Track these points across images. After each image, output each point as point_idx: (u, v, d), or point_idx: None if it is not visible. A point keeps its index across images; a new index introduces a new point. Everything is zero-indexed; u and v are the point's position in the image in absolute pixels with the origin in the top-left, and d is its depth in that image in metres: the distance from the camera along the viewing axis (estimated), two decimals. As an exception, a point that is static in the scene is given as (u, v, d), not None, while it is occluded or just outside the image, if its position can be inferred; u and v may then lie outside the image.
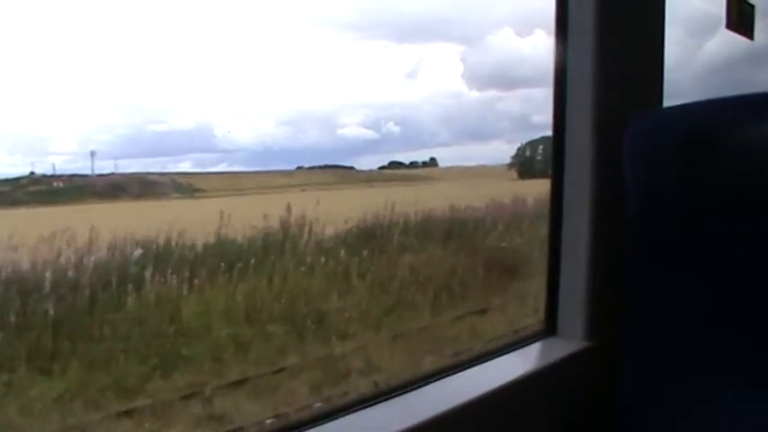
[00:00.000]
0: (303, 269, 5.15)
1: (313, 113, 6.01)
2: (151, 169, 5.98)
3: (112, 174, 5.65)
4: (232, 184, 6.31)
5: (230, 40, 4.96)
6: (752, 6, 2.23)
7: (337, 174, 6.68)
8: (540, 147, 7.26)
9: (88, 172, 5.43)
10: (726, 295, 1.45)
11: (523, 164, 7.46)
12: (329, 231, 5.45)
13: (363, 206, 5.87)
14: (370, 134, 6.29)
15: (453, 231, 6.19)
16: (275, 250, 5.21)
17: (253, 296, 4.78)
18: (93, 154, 5.20)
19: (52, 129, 4.95)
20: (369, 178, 6.78)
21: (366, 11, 5.57)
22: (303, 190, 6.41)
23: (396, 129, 6.50)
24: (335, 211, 5.66)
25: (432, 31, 5.99)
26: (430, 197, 6.28)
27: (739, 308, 1.44)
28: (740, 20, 2.20)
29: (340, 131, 6.28)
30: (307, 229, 5.30)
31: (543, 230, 6.35)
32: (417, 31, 5.92)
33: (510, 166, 7.51)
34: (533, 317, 5.04)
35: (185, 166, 6.20)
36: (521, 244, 6.25)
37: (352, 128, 6.27)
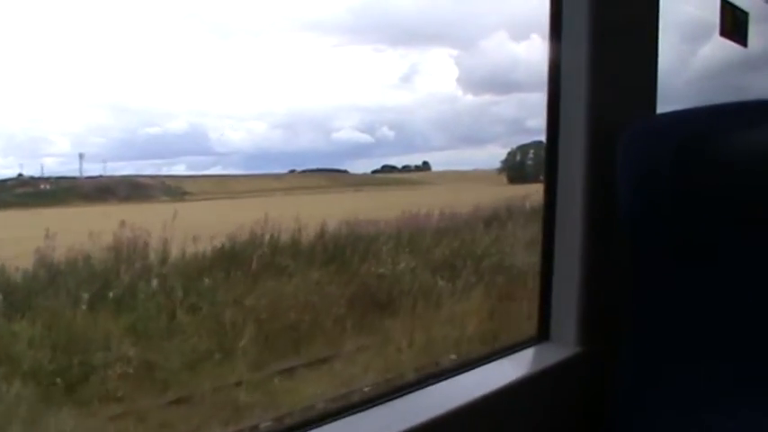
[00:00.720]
0: (111, 302, 4.36)
1: (307, 117, 6.03)
2: (145, 172, 5.99)
3: (101, 176, 5.66)
4: (222, 187, 6.31)
5: (225, 43, 4.99)
6: (746, 14, 2.25)
7: (328, 177, 6.70)
8: (531, 151, 7.27)
9: (84, 173, 5.45)
10: (720, 301, 1.47)
11: (514, 168, 7.47)
12: (192, 250, 4.95)
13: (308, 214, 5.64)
14: (364, 138, 6.30)
15: (340, 251, 5.68)
16: (91, 277, 4.49)
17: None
18: (81, 156, 5.20)
19: (46, 130, 4.95)
20: (359, 182, 6.79)
21: (361, 14, 5.59)
22: (288, 194, 6.42)
23: (390, 133, 6.52)
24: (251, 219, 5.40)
25: (426, 35, 6.01)
26: (398, 203, 6.17)
27: (734, 313, 1.45)
28: (734, 27, 2.22)
29: (335, 135, 6.29)
30: (156, 248, 4.76)
31: (442, 250, 5.88)
32: (412, 34, 5.94)
33: (500, 170, 7.52)
34: (392, 370, 4.55)
35: (179, 168, 6.22)
36: (403, 270, 5.62)
37: (347, 131, 6.28)
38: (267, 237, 5.36)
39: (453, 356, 4.53)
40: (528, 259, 5.84)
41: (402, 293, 5.39)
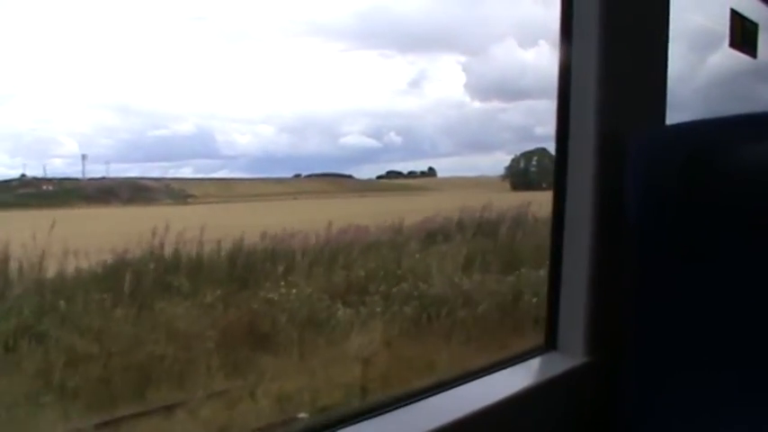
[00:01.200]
0: None
1: (315, 121, 6.05)
2: (151, 174, 6.01)
3: (104, 178, 5.68)
4: (226, 190, 6.33)
5: (233, 47, 5.01)
6: (755, 25, 2.26)
7: (332, 182, 6.70)
8: (535, 158, 7.28)
9: (90, 175, 5.48)
10: (726, 311, 1.48)
11: (517, 175, 7.47)
12: (76, 265, 4.57)
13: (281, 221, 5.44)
14: (371, 143, 6.32)
15: (247, 269, 5.25)
16: None
17: None
18: (84, 157, 5.22)
19: (54, 132, 4.98)
20: (362, 188, 6.80)
21: (370, 20, 5.61)
22: (295, 198, 6.44)
23: (397, 138, 6.54)
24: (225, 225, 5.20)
25: (435, 41, 6.03)
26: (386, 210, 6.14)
27: (740, 323, 1.47)
28: (744, 38, 2.23)
29: (342, 140, 6.31)
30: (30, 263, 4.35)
31: (357, 271, 5.50)
32: (421, 40, 5.96)
33: (504, 177, 7.52)
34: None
35: (186, 171, 6.24)
36: (298, 295, 5.03)
37: (355, 136, 6.31)
38: (170, 250, 4.99)
39: (304, 415, 4.00)
40: (455, 282, 5.65)
41: (290, 324, 4.85)
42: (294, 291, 5.11)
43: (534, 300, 5.22)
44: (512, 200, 6.63)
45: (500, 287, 5.79)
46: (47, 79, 4.26)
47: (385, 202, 6.69)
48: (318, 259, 5.60)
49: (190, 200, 6.16)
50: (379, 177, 6.88)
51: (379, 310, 5.20)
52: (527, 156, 7.38)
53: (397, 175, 6.94)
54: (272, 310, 4.95)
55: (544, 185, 6.96)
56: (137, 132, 5.54)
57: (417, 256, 5.97)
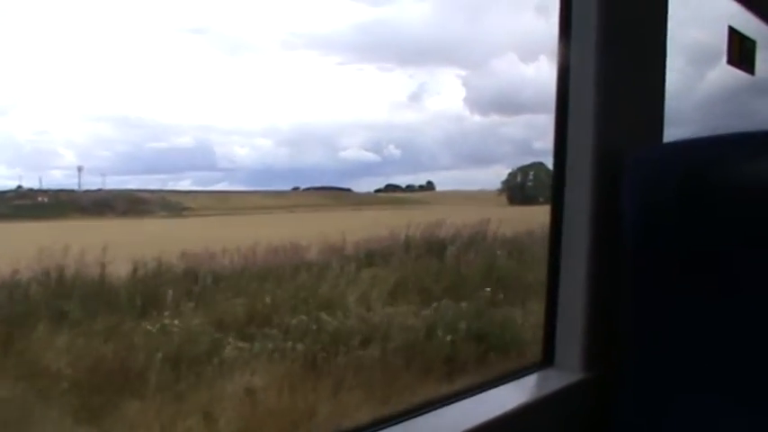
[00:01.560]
0: None
1: (315, 134, 6.08)
2: (149, 186, 6.04)
3: (100, 190, 5.70)
4: (223, 203, 6.34)
5: (232, 59, 5.04)
6: (753, 42, 2.28)
7: (330, 196, 6.73)
8: (532, 172, 7.30)
9: (89, 186, 5.50)
10: (724, 327, 1.49)
11: (514, 189, 7.50)
12: None
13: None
14: (371, 156, 6.34)
15: (146, 293, 4.66)
16: None
17: None
18: (80, 169, 5.24)
19: (54, 143, 5.00)
20: (359, 201, 6.82)
21: (370, 33, 5.64)
22: (291, 211, 6.46)
23: (397, 151, 6.56)
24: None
25: (435, 55, 6.06)
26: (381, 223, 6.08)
27: (738, 340, 1.48)
28: (741, 55, 2.25)
29: (342, 153, 6.33)
30: None
31: (263, 298, 5.00)
32: (421, 54, 5.99)
33: (500, 191, 7.55)
34: None
35: (185, 183, 6.27)
36: (183, 326, 4.43)
37: (354, 149, 6.33)
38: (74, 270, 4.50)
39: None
40: (367, 313, 5.11)
41: (165, 362, 4.17)
42: (177, 322, 4.52)
43: (449, 337, 4.89)
44: (500, 215, 6.59)
45: (417, 321, 5.12)
46: (46, 91, 4.29)
47: (377, 216, 6.68)
48: (230, 284, 5.09)
49: (185, 212, 6.17)
50: (378, 191, 6.90)
51: (271, 346, 4.52)
52: (524, 170, 7.41)
53: (396, 188, 6.96)
54: (150, 344, 4.33)
55: (541, 200, 6.98)
56: (135, 144, 5.57)
57: (342, 280, 5.38)
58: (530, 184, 7.37)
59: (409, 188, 7.05)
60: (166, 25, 4.46)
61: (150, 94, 4.79)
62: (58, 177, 5.28)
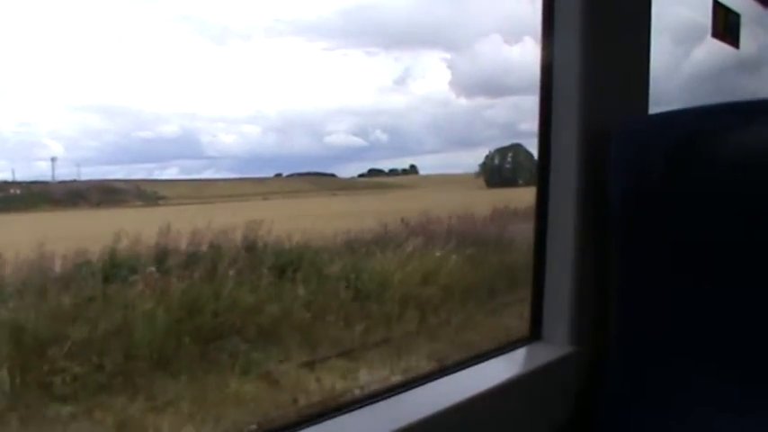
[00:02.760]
0: None
1: (301, 120, 6.09)
2: (136, 176, 6.04)
3: (75, 181, 5.70)
4: (201, 191, 6.36)
5: (217, 46, 5.05)
6: (737, 15, 2.32)
7: (310, 181, 6.75)
8: (510, 154, 7.31)
9: (78, 177, 5.50)
10: (710, 300, 1.53)
11: (491, 172, 7.47)
12: None
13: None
14: (358, 141, 6.37)
15: None
16: None
17: None
18: (53, 160, 5.24)
19: (39, 135, 5.00)
20: (341, 186, 6.85)
21: (355, 18, 5.66)
22: (265, 198, 6.48)
23: (384, 136, 6.58)
24: None
25: (420, 38, 6.09)
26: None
27: (724, 312, 1.51)
28: (726, 28, 2.28)
29: (327, 138, 6.35)
30: None
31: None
32: (406, 37, 6.02)
33: (477, 174, 7.52)
34: None
35: (172, 172, 6.27)
36: None
37: (341, 135, 6.35)
38: None
39: None
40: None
41: None
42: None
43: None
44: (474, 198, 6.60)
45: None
46: (30, 82, 4.29)
47: (353, 200, 6.71)
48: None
49: (161, 201, 6.19)
50: (361, 176, 6.93)
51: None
52: (502, 152, 7.40)
53: (379, 173, 6.99)
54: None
55: (520, 182, 6.99)
56: (122, 134, 5.57)
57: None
58: (508, 166, 7.36)
59: (393, 172, 7.07)
60: (150, 13, 4.47)
61: (135, 82, 4.80)
62: (43, 169, 5.26)
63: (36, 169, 5.21)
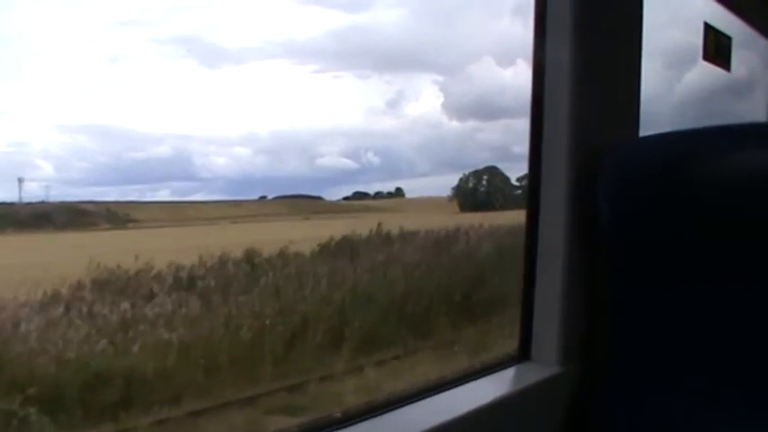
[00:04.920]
0: None
1: (293, 142, 6.15)
2: (128, 197, 6.08)
3: (43, 202, 5.72)
4: (174, 214, 6.39)
5: (208, 68, 5.12)
6: (729, 38, 2.41)
7: (290, 204, 6.80)
8: (485, 177, 7.33)
9: (70, 198, 5.54)
10: (700, 322, 1.60)
11: (465, 195, 7.47)
12: None
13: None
14: (349, 163, 6.43)
15: None
16: None
17: None
18: (20, 181, 5.27)
19: (30, 155, 5.04)
20: (318, 209, 6.90)
21: (346, 40, 5.73)
22: (234, 222, 6.53)
23: (375, 158, 6.64)
24: None
25: (412, 61, 6.17)
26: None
27: (714, 334, 1.58)
28: (717, 52, 2.37)
29: (319, 161, 6.42)
30: None
31: None
32: (397, 60, 6.09)
33: (450, 198, 7.53)
34: None
35: (164, 193, 6.30)
36: None
37: (332, 157, 6.41)
38: None
39: None
40: None
41: None
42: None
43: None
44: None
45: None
46: (22, 102, 4.35)
47: (315, 225, 6.73)
48: None
49: (130, 224, 6.21)
50: (346, 198, 6.98)
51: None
52: (476, 174, 7.42)
53: (364, 195, 7.04)
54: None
55: (496, 206, 7.03)
56: (114, 155, 5.61)
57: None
58: (482, 189, 7.38)
59: (378, 195, 7.12)
60: (143, 34, 4.55)
61: (128, 104, 4.87)
62: (33, 189, 5.30)
63: (27, 190, 5.23)
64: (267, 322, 4.63)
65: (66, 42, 4.19)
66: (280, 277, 5.13)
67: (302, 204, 6.86)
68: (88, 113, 4.80)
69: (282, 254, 5.43)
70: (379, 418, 1.58)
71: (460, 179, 7.40)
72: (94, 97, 4.64)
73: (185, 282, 4.90)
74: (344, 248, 5.83)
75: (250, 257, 5.28)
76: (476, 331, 5.35)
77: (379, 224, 5.98)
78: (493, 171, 7.26)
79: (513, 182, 7.06)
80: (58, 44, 4.17)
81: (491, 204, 7.10)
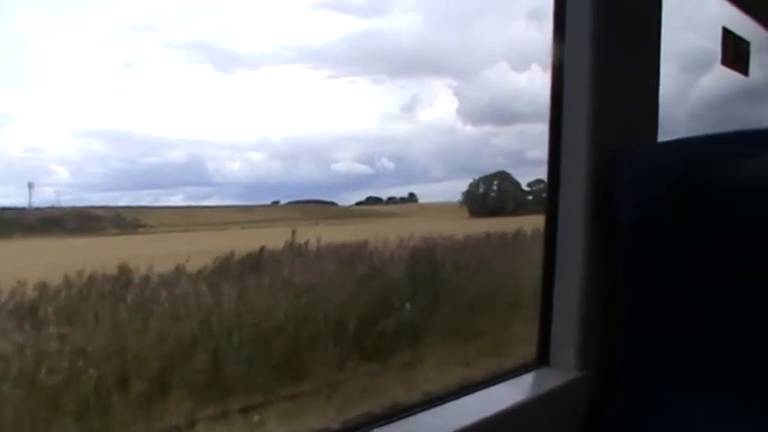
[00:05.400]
0: None
1: (308, 147, 6.17)
2: (142, 202, 6.11)
3: (52, 207, 5.76)
4: (185, 219, 6.42)
5: (224, 74, 5.15)
6: (747, 43, 2.42)
7: (301, 209, 6.82)
8: (495, 182, 7.32)
9: (85, 204, 5.57)
10: (720, 325, 1.61)
11: (475, 201, 7.46)
12: None
13: None
14: (364, 169, 6.45)
15: None
16: None
17: None
18: (30, 186, 5.31)
19: (46, 160, 5.08)
20: (331, 215, 6.92)
21: (361, 45, 5.75)
22: (243, 228, 6.55)
23: (390, 164, 6.66)
24: None
25: (427, 66, 6.18)
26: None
27: (733, 340, 1.59)
28: (736, 56, 2.38)
29: (334, 166, 6.44)
30: None
31: None
32: (412, 65, 6.11)
33: (461, 203, 7.52)
34: None
35: (177, 199, 6.34)
36: None
37: (347, 162, 6.43)
38: None
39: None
40: None
41: None
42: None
43: None
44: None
45: None
46: (37, 107, 4.39)
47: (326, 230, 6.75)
48: None
49: (141, 230, 6.24)
50: (359, 203, 6.99)
51: None
52: (486, 180, 7.42)
53: (377, 201, 7.06)
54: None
55: (506, 212, 7.01)
56: (128, 160, 5.65)
57: None
58: (492, 194, 7.38)
59: (391, 200, 7.13)
60: (158, 40, 4.58)
61: (142, 108, 4.90)
62: (49, 194, 5.34)
63: (42, 194, 5.27)
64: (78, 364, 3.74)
65: (80, 47, 4.22)
66: (138, 303, 4.33)
67: (313, 209, 6.88)
68: (103, 119, 4.83)
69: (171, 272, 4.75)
70: (397, 422, 1.60)
71: (470, 184, 7.39)
72: (109, 102, 4.67)
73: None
74: (246, 265, 5.26)
75: (124, 275, 4.57)
76: (366, 373, 4.54)
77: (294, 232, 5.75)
78: (503, 176, 7.26)
79: (524, 187, 7.05)
80: (72, 49, 4.20)
81: (501, 210, 7.10)
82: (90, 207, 5.99)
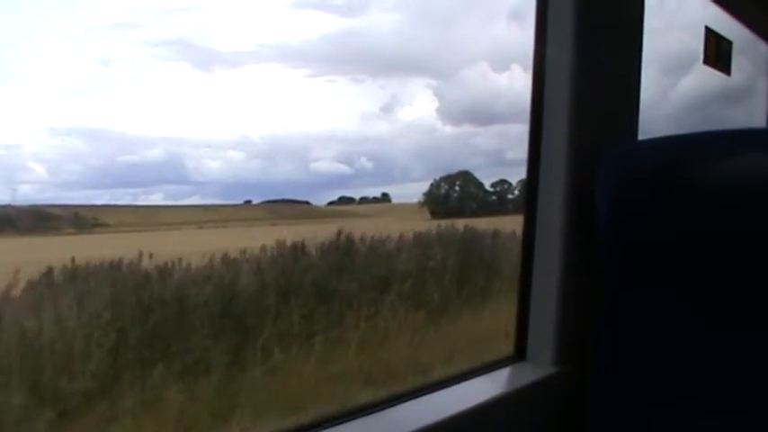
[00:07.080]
0: None
1: (287, 147, 6.19)
2: (121, 201, 6.13)
3: (8, 206, 5.76)
4: (146, 219, 6.44)
5: (202, 72, 5.19)
6: (729, 43, 2.49)
7: (269, 209, 6.85)
8: (457, 182, 7.36)
9: (63, 201, 5.57)
10: (695, 324, 1.68)
11: (436, 201, 7.47)
12: None
13: None
14: (343, 168, 6.48)
15: None
16: None
17: None
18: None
19: (23, 158, 5.09)
20: (302, 214, 6.95)
21: (341, 44, 5.78)
22: (200, 227, 6.58)
23: (369, 164, 6.70)
24: None
25: (407, 65, 6.22)
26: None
27: (709, 336, 1.66)
28: (718, 56, 2.45)
29: (313, 165, 6.47)
30: None
31: None
32: (392, 64, 6.15)
33: (422, 204, 7.53)
34: None
35: (157, 197, 6.34)
36: None
37: (326, 162, 6.46)
38: None
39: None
40: None
41: None
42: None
43: None
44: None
45: None
46: (13, 104, 4.41)
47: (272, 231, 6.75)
48: None
49: (97, 229, 6.24)
50: (331, 203, 7.03)
51: None
52: (449, 180, 7.45)
53: (350, 200, 7.10)
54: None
55: (467, 213, 7.05)
56: (107, 158, 5.66)
57: None
58: (455, 195, 7.40)
59: (364, 200, 7.17)
60: (136, 37, 4.61)
61: (120, 106, 4.92)
62: (27, 192, 5.35)
63: (18, 192, 5.28)
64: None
65: (57, 44, 4.25)
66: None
67: (283, 209, 6.91)
68: (80, 116, 4.85)
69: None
70: (372, 416, 1.64)
71: (431, 185, 7.42)
72: (87, 100, 4.68)
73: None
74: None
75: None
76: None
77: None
78: (467, 177, 7.29)
79: (488, 188, 7.10)
80: (49, 46, 4.22)
81: (462, 211, 7.13)
82: (48, 205, 6.00)
